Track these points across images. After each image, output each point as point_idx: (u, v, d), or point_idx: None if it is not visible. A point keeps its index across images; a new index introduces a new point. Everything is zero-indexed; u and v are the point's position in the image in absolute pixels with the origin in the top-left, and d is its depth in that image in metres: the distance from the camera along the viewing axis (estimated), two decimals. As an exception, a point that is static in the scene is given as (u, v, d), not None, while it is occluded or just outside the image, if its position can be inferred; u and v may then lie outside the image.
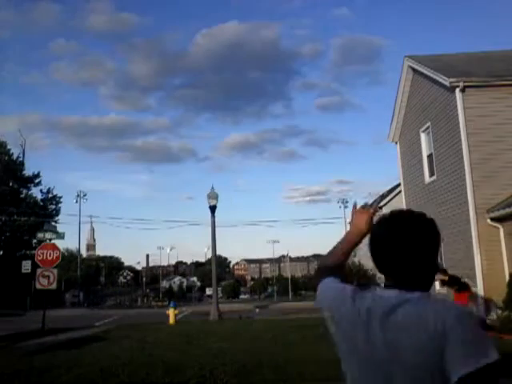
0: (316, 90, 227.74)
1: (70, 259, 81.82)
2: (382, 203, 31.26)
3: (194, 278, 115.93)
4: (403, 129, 18.92)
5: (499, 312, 11.05)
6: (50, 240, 19.14)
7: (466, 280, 11.16)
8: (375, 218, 1.58)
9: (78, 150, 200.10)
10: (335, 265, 1.68)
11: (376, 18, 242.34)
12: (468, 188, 13.20)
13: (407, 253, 1.37)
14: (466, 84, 13.46)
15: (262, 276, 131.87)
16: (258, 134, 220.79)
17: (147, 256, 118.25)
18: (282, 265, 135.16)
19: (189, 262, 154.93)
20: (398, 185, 23.83)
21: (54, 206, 49.57)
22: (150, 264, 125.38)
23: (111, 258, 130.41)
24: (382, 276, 1.58)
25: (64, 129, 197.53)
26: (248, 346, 10.36)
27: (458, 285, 11.03)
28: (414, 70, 17.15)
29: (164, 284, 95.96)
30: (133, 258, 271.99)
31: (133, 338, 12.59)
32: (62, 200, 50.40)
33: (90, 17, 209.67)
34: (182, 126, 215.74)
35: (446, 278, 11.28)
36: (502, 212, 12.29)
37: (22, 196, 47.97)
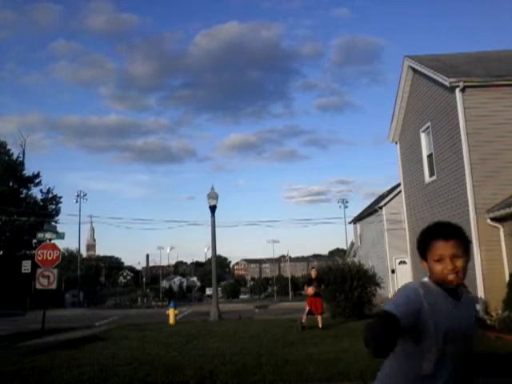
0: (316, 90, 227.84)
1: (69, 259, 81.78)
2: (382, 203, 31.26)
3: (194, 278, 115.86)
4: (403, 129, 18.92)
5: (499, 312, 11.06)
6: (50, 240, 19.13)
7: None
8: None
9: (78, 150, 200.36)
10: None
11: (376, 18, 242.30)
12: (468, 188, 13.20)
13: None
14: (466, 84, 13.46)
15: (262, 276, 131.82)
16: (257, 134, 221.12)
17: (147, 256, 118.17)
18: (281, 265, 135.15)
19: (189, 262, 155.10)
20: (398, 185, 23.84)
21: (54, 206, 49.55)
22: (150, 264, 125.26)
23: (111, 258, 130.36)
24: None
25: (64, 129, 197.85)
26: (248, 346, 10.36)
27: None
28: (414, 69, 17.15)
29: (164, 284, 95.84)
30: (133, 258, 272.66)
31: (133, 338, 12.59)
32: (62, 200, 50.41)
33: (90, 17, 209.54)
34: (182, 126, 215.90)
35: None
36: (502, 212, 12.29)
37: (22, 196, 47.96)
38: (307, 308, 13.72)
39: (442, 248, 1.93)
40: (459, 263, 1.92)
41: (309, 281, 14.22)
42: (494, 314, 11.23)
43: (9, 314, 27.79)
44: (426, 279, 2.01)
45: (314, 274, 14.23)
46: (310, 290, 13.68)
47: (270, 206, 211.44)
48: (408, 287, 1.95)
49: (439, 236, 1.95)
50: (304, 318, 13.58)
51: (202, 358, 9.00)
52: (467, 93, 13.53)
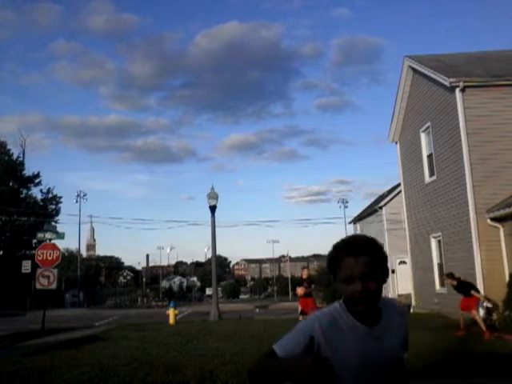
0: (316, 90, 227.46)
1: (69, 259, 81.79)
2: (382, 203, 31.25)
3: (194, 278, 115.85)
4: (403, 129, 18.92)
5: (499, 312, 11.06)
6: (50, 240, 19.14)
7: (473, 292, 11.20)
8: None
9: (79, 150, 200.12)
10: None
11: (376, 18, 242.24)
12: (468, 188, 13.20)
13: None
14: (466, 84, 13.46)
15: (262, 276, 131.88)
16: (258, 134, 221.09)
17: (147, 256, 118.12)
18: (281, 265, 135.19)
19: (189, 262, 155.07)
20: (398, 185, 23.83)
21: (54, 206, 49.54)
22: (150, 264, 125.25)
23: (111, 258, 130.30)
24: None
25: (64, 129, 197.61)
26: (248, 346, 10.35)
27: (464, 293, 11.15)
28: (414, 69, 17.15)
29: (164, 284, 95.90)
30: (133, 258, 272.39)
31: (133, 338, 12.58)
32: (62, 200, 50.41)
33: (90, 17, 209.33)
34: (182, 126, 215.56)
35: (455, 283, 11.36)
36: (502, 212, 12.29)
37: (22, 196, 47.95)
38: (300, 308, 13.88)
39: (351, 266, 1.66)
40: (372, 284, 1.65)
41: (300, 281, 14.42)
42: (494, 314, 11.23)
43: (9, 313, 27.79)
44: (337, 304, 1.78)
45: (305, 274, 14.37)
46: (300, 291, 13.82)
47: (270, 206, 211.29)
48: (303, 324, 1.74)
49: (348, 252, 1.69)
50: (300, 318, 13.64)
51: (202, 358, 8.99)
52: (467, 93, 13.53)
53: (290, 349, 1.63)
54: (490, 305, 11.50)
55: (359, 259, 1.66)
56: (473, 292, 11.21)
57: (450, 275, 11.67)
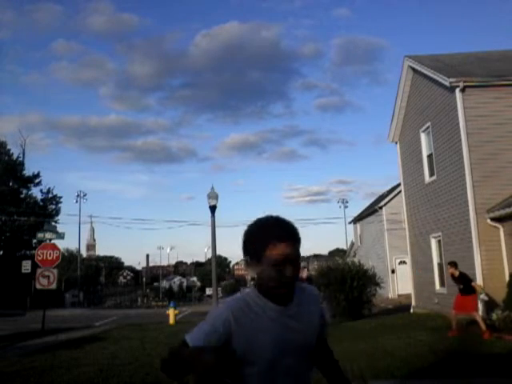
0: (316, 90, 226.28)
1: (70, 259, 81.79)
2: (382, 203, 31.25)
3: (194, 278, 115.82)
4: (403, 129, 18.92)
5: (499, 312, 11.05)
6: (50, 240, 19.15)
7: (474, 284, 11.17)
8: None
9: (79, 150, 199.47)
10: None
11: (376, 18, 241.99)
12: (468, 188, 13.20)
13: None
14: (466, 84, 13.46)
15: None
16: (258, 134, 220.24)
17: (147, 256, 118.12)
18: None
19: (189, 262, 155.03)
20: (398, 185, 23.84)
21: (53, 206, 49.55)
22: (150, 264, 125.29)
23: (111, 258, 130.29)
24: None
25: (64, 129, 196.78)
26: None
27: (464, 285, 11.06)
28: (414, 69, 17.15)
29: (164, 284, 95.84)
30: (133, 258, 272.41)
31: (133, 338, 12.60)
32: (62, 200, 50.43)
33: (90, 17, 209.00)
34: (182, 126, 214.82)
35: (457, 273, 11.26)
36: (502, 212, 12.29)
37: (22, 196, 47.95)
38: None
39: (285, 252, 1.63)
40: (297, 268, 1.68)
41: (299, 281, 14.40)
42: (494, 314, 11.22)
43: (9, 314, 27.79)
44: (249, 289, 1.76)
45: (304, 274, 14.30)
46: None
47: (270, 206, 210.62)
48: (215, 312, 1.69)
49: (281, 237, 1.64)
50: None
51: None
52: (467, 93, 13.53)
53: (202, 339, 1.59)
54: (486, 298, 11.45)
55: (291, 245, 1.65)
56: (473, 284, 11.16)
57: (454, 264, 11.40)
